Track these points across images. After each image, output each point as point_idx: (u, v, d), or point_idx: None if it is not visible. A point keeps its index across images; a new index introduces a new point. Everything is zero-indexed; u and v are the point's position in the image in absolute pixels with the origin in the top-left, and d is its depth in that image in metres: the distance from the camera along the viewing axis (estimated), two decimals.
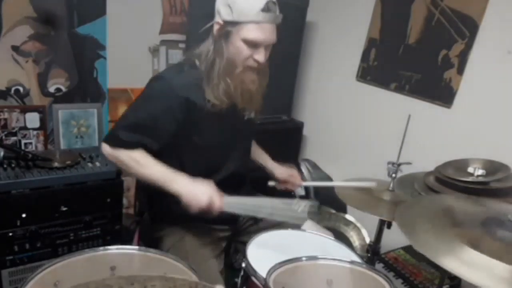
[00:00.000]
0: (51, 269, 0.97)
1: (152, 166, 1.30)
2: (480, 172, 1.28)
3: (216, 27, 1.32)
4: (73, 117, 2.27)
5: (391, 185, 1.48)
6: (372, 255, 1.61)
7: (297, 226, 1.44)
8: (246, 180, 1.59)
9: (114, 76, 2.34)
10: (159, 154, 1.34)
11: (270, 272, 1.05)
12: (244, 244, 1.28)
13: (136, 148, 1.31)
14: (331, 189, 1.62)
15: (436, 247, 0.85)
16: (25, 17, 1.99)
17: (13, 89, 2.07)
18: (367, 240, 1.89)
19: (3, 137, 2.08)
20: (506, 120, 1.79)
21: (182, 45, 2.52)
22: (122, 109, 2.43)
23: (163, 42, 2.47)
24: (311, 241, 1.38)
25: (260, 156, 1.68)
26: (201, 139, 1.38)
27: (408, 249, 1.96)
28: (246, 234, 1.55)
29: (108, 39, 2.26)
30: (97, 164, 1.96)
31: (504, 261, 0.79)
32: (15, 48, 2.01)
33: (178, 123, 1.34)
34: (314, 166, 2.74)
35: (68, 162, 1.89)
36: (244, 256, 1.22)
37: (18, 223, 1.73)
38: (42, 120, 2.17)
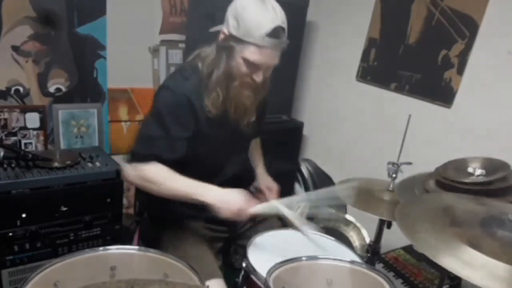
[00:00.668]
0: (51, 269, 0.97)
1: (178, 179, 1.29)
2: (479, 172, 1.28)
3: (221, 36, 1.30)
4: (73, 117, 2.27)
5: (391, 185, 1.48)
6: (372, 255, 1.61)
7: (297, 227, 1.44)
8: (245, 182, 1.59)
9: (114, 76, 2.34)
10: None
11: (270, 271, 1.06)
12: (244, 247, 1.29)
13: (153, 160, 1.29)
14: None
15: (437, 247, 0.85)
16: (25, 17, 1.99)
17: (13, 89, 2.07)
18: (367, 240, 1.89)
19: (3, 137, 2.08)
20: (506, 120, 1.79)
21: (182, 45, 2.52)
22: (122, 109, 2.43)
23: (163, 42, 2.47)
24: (311, 241, 1.38)
25: (254, 159, 1.68)
26: (202, 143, 1.37)
27: (408, 249, 1.96)
28: (246, 237, 1.55)
29: (108, 39, 2.26)
30: (97, 164, 1.96)
31: (504, 260, 0.79)
32: (15, 48, 2.01)
33: (190, 130, 1.34)
34: (314, 166, 2.74)
35: (68, 162, 1.89)
36: (244, 256, 1.22)
37: (18, 223, 1.73)
38: (42, 120, 2.17)
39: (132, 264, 1.09)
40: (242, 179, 1.54)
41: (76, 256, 1.02)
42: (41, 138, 2.20)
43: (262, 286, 1.10)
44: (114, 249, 1.09)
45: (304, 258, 1.15)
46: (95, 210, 1.93)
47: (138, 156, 1.32)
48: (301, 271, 1.14)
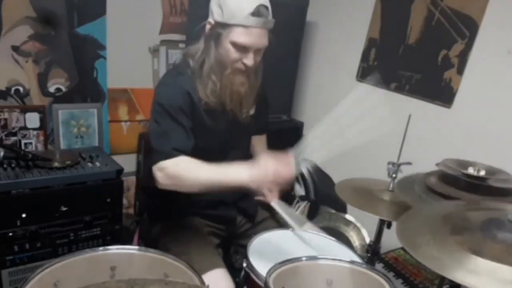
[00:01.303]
0: (51, 269, 0.97)
1: (207, 168, 1.25)
2: (481, 173, 1.28)
3: (207, 27, 1.32)
4: (73, 117, 2.27)
5: (391, 185, 1.49)
6: (372, 255, 1.61)
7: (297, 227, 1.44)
8: None
9: (114, 76, 2.34)
10: None
11: (270, 272, 1.06)
12: (244, 247, 1.29)
13: (175, 154, 1.28)
14: (331, 189, 1.62)
15: (440, 259, 0.83)
16: (25, 17, 1.99)
17: (13, 89, 2.07)
18: (367, 240, 1.89)
19: (3, 137, 2.08)
20: (506, 120, 1.79)
21: (182, 45, 2.52)
22: (122, 109, 2.43)
23: (163, 42, 2.47)
24: (311, 241, 1.38)
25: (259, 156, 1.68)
26: (200, 137, 1.37)
27: None
28: (246, 237, 1.55)
29: (108, 39, 2.26)
30: (97, 164, 1.96)
31: (508, 263, 0.78)
32: (15, 48, 2.01)
33: (192, 121, 1.35)
34: (314, 166, 2.73)
35: (68, 162, 1.89)
36: (245, 256, 1.22)
37: (18, 223, 1.73)
38: (42, 120, 2.17)
39: (132, 264, 1.09)
40: None
41: (76, 256, 1.02)
42: (41, 138, 2.20)
43: (262, 286, 1.10)
44: (114, 249, 1.09)
45: (304, 258, 1.15)
46: (95, 210, 1.92)
47: (159, 154, 1.30)
48: (301, 271, 1.14)
